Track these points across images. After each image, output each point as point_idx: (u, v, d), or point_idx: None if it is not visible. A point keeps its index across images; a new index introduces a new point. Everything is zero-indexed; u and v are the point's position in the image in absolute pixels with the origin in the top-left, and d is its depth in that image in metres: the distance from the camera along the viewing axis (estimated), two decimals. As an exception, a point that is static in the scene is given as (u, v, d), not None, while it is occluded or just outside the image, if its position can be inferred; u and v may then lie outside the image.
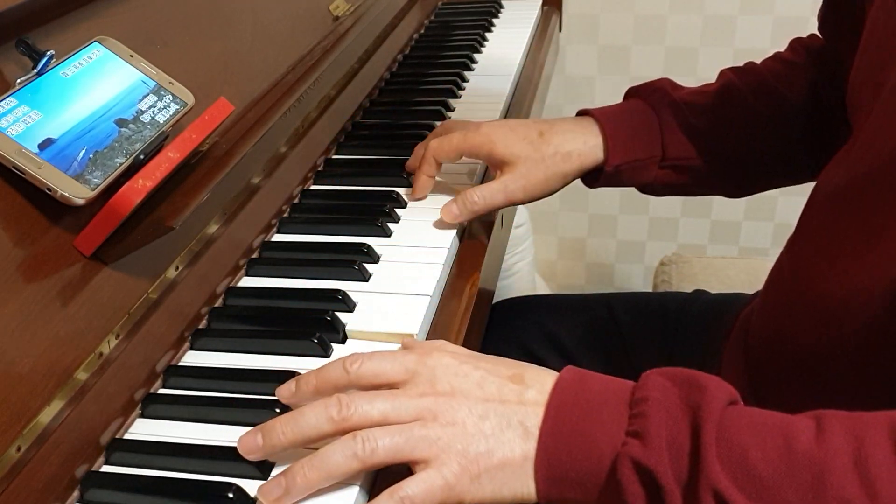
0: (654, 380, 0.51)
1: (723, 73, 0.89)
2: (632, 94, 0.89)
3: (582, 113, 0.87)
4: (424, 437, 0.51)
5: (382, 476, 0.53)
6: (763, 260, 1.30)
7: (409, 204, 0.85)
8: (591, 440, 0.49)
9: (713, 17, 1.66)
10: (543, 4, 1.45)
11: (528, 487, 0.51)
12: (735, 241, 1.86)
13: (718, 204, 1.82)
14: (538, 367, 0.55)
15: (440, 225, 0.80)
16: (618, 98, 0.91)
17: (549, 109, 1.66)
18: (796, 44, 0.90)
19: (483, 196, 0.79)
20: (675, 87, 0.88)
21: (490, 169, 0.87)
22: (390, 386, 0.54)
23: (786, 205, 1.78)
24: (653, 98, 0.86)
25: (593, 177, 0.86)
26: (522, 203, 0.84)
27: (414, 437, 0.51)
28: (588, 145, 0.83)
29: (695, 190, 0.90)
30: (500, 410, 0.52)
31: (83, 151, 0.60)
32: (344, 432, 0.51)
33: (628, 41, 1.71)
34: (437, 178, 0.85)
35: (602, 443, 0.49)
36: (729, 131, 0.86)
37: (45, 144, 0.58)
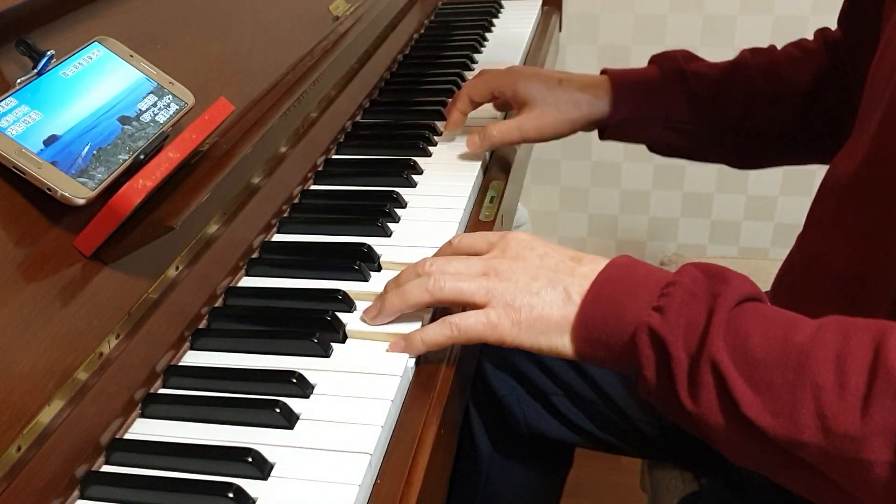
0: (689, 270, 0.58)
1: (742, 52, 0.95)
2: (651, 60, 0.97)
3: (604, 73, 0.96)
4: (482, 286, 0.62)
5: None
6: (763, 260, 1.30)
7: (409, 204, 0.85)
8: (623, 310, 0.58)
9: (713, 17, 1.66)
10: (543, 4, 1.45)
11: (563, 344, 0.61)
12: (735, 241, 1.86)
13: (718, 204, 1.82)
14: (597, 256, 0.64)
15: (440, 225, 0.80)
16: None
17: (549, 109, 1.66)
18: (818, 33, 0.94)
19: (500, 131, 0.92)
20: (691, 58, 0.95)
21: (513, 105, 0.96)
22: (478, 255, 0.66)
23: (786, 205, 1.78)
24: (666, 65, 0.94)
25: (601, 129, 0.95)
26: (534, 141, 0.94)
27: (474, 284, 0.62)
28: (597, 97, 0.92)
29: (698, 155, 0.97)
30: (551, 276, 0.62)
31: (87, 147, 0.60)
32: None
33: (628, 41, 1.71)
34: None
35: (630, 313, 0.57)
36: (729, 104, 0.92)
37: (50, 141, 0.58)
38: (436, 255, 0.68)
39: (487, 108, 1.00)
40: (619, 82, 0.93)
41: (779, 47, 0.95)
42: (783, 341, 0.52)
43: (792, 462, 0.52)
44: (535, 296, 0.61)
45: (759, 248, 1.85)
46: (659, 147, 0.97)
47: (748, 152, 0.96)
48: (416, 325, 0.66)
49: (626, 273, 0.60)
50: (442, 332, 0.62)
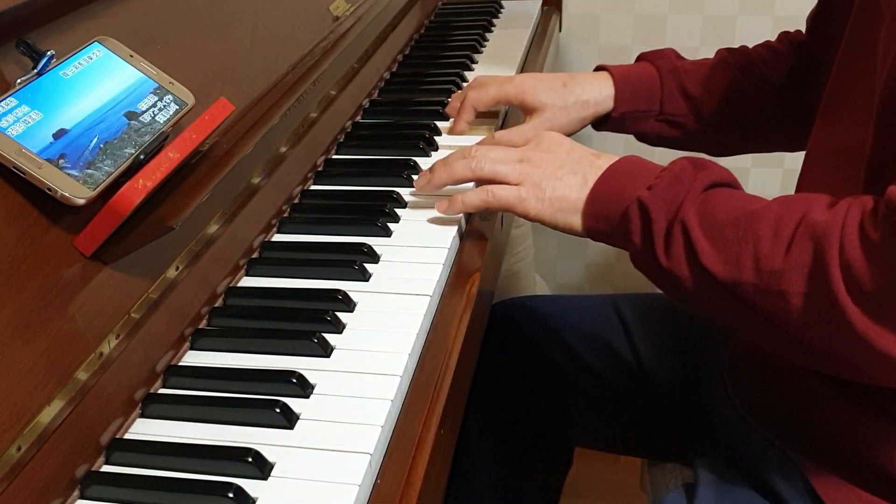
0: (679, 161, 0.70)
1: (719, 52, 1.02)
2: (641, 58, 1.03)
3: (599, 69, 1.02)
4: (516, 169, 0.76)
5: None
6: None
7: (409, 203, 0.85)
8: (623, 190, 0.70)
9: (713, 17, 1.66)
10: (543, 4, 1.45)
11: (576, 221, 0.73)
12: (735, 240, 1.86)
13: (718, 204, 1.82)
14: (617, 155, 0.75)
15: (440, 224, 0.80)
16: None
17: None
18: (783, 36, 1.02)
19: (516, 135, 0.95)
20: (679, 56, 1.03)
21: (522, 115, 1.01)
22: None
23: (786, 205, 1.78)
24: (659, 62, 1.01)
25: (601, 121, 1.01)
26: None
27: (509, 167, 0.76)
28: (602, 95, 0.98)
29: (684, 145, 1.04)
30: (574, 166, 0.74)
31: (95, 139, 0.61)
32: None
33: (628, 41, 1.71)
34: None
35: (628, 191, 0.70)
36: (716, 98, 0.99)
37: (60, 134, 0.59)
38: (479, 143, 0.82)
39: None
40: (622, 79, 0.98)
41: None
42: (741, 209, 0.64)
43: (734, 303, 0.64)
44: (559, 180, 0.73)
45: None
46: (649, 138, 1.03)
47: (727, 141, 1.03)
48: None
49: (632, 165, 0.72)
50: (480, 196, 0.76)
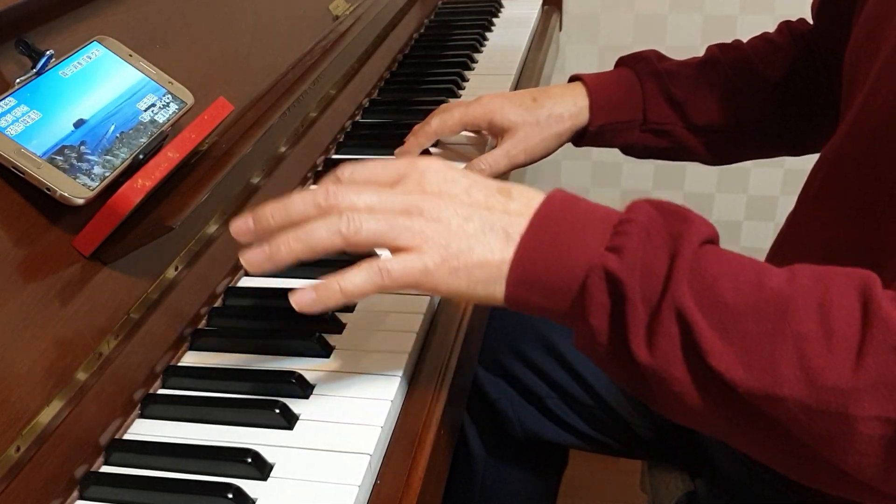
0: (641, 206, 0.53)
1: (709, 49, 0.94)
2: (621, 63, 0.95)
3: (574, 79, 0.93)
4: (409, 227, 0.53)
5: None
6: (763, 260, 1.30)
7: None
8: (569, 249, 0.51)
9: (713, 17, 1.66)
10: (543, 4, 1.45)
11: (500, 288, 0.53)
12: (735, 240, 1.86)
13: (719, 204, 1.82)
14: (524, 186, 0.57)
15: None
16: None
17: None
18: (783, 26, 0.94)
19: (488, 163, 0.87)
20: (662, 57, 0.93)
21: (492, 137, 0.92)
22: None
23: (786, 204, 1.77)
24: (638, 67, 0.92)
25: (580, 136, 0.92)
26: (524, 165, 0.90)
27: (399, 225, 0.53)
28: (577, 107, 0.89)
29: (674, 155, 0.94)
30: (485, 216, 0.54)
31: (112, 128, 0.62)
32: None
33: (628, 41, 1.71)
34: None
35: (579, 253, 0.51)
36: (706, 101, 0.90)
37: (79, 123, 0.61)
38: (320, 185, 0.56)
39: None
40: (596, 88, 0.90)
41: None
42: (757, 287, 0.48)
43: (755, 419, 0.49)
44: (472, 238, 0.53)
45: (760, 248, 1.85)
46: (636, 150, 0.94)
47: (723, 148, 0.95)
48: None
49: (567, 210, 0.53)
50: (369, 278, 0.53)
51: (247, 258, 0.54)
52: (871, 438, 0.45)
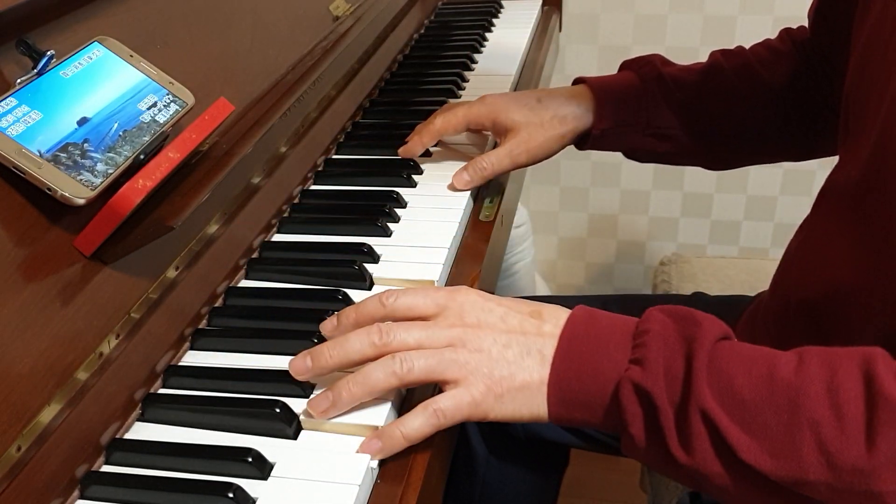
0: (654, 315, 0.57)
1: (712, 54, 0.94)
2: (625, 66, 0.95)
3: (578, 81, 0.94)
4: (454, 360, 0.57)
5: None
6: (763, 260, 1.30)
7: (409, 204, 0.85)
8: (598, 367, 0.56)
9: (713, 17, 1.66)
10: (543, 4, 1.45)
11: (543, 407, 0.57)
12: (735, 241, 1.86)
13: (718, 204, 1.82)
14: (555, 305, 0.61)
15: (440, 225, 0.80)
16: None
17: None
18: (784, 34, 0.95)
19: (491, 162, 0.87)
20: (666, 62, 0.94)
21: (494, 136, 0.93)
22: (423, 318, 0.60)
23: (786, 205, 1.78)
24: (643, 71, 0.92)
25: (583, 139, 0.92)
26: (526, 165, 0.90)
27: (445, 360, 0.57)
28: (581, 109, 0.90)
29: (676, 159, 0.95)
30: (521, 340, 0.58)
31: (115, 126, 0.62)
32: (383, 356, 0.58)
33: (628, 41, 1.71)
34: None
35: (607, 369, 0.55)
36: (709, 107, 0.91)
37: (83, 121, 0.61)
38: (362, 310, 0.60)
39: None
40: (601, 91, 0.90)
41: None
42: (769, 379, 0.52)
43: (803, 499, 0.51)
44: (513, 364, 0.57)
45: (759, 248, 1.85)
46: (638, 154, 0.94)
47: (725, 153, 0.95)
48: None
49: (589, 328, 0.58)
50: (427, 421, 0.56)
51: (313, 406, 0.58)
52: None
